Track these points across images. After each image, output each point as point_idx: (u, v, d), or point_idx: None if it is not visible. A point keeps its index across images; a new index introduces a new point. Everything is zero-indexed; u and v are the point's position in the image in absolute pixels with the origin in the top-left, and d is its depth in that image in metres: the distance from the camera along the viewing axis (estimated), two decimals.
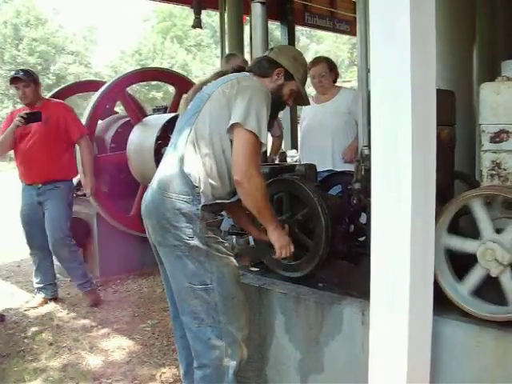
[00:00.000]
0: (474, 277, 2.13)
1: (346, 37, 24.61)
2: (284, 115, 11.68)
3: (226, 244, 2.51)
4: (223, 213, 2.63)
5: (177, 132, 2.55)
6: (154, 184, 2.47)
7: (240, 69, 2.71)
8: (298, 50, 2.98)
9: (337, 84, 4.81)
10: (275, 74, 2.61)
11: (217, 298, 2.38)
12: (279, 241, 2.53)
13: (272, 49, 2.74)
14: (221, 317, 2.40)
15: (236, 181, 2.35)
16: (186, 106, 2.60)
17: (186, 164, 2.37)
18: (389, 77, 1.84)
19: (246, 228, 2.87)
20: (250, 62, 3.55)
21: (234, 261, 2.50)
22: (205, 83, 2.64)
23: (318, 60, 4.74)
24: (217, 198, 2.42)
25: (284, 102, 2.67)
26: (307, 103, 2.88)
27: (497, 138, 2.15)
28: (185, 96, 2.73)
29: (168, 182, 2.37)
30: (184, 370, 2.77)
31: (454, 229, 2.23)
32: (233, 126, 2.35)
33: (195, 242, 2.34)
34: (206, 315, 2.39)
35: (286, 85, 2.62)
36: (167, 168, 2.43)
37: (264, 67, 2.63)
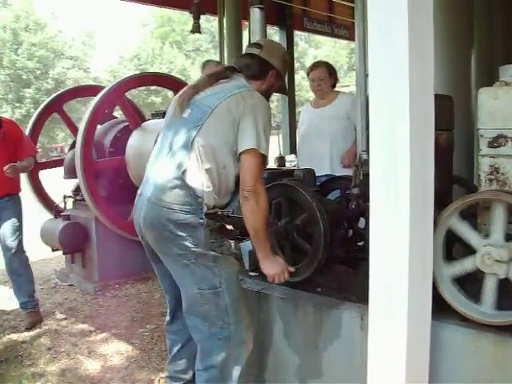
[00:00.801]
0: (489, 290, 2.12)
1: (344, 42, 24.64)
2: (282, 119, 11.72)
3: (227, 245, 2.55)
4: None
5: (171, 135, 2.53)
6: (150, 193, 2.45)
7: (232, 69, 2.69)
8: (282, 46, 3.06)
9: (335, 89, 4.82)
10: (269, 76, 2.68)
11: (227, 301, 2.42)
12: (272, 269, 2.53)
13: (258, 44, 2.74)
14: (231, 318, 2.43)
15: (245, 197, 2.40)
16: (181, 109, 2.54)
17: (189, 177, 2.37)
18: (387, 82, 1.85)
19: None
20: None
21: (235, 260, 2.56)
22: (197, 87, 2.60)
23: (318, 64, 4.77)
24: (215, 207, 2.45)
25: (269, 96, 2.75)
26: (286, 93, 3.04)
27: (495, 142, 2.15)
28: (175, 97, 2.70)
29: (169, 193, 2.38)
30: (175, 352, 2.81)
31: (450, 257, 2.27)
32: (246, 150, 2.40)
33: (201, 249, 2.37)
34: (216, 318, 2.42)
35: (275, 84, 2.72)
36: (166, 178, 2.41)
37: (257, 70, 2.66)
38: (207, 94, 2.54)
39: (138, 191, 2.61)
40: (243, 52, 2.95)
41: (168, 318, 2.83)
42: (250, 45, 2.87)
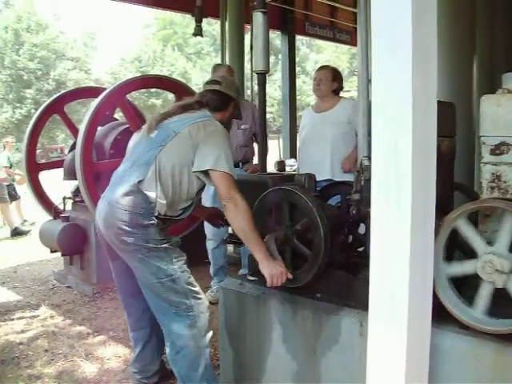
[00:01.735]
0: (483, 296, 2.11)
1: (345, 47, 24.70)
2: (283, 123, 11.74)
3: (175, 240, 2.87)
4: None
5: (137, 151, 2.93)
6: (110, 197, 2.80)
7: (199, 103, 3.03)
8: (234, 79, 3.60)
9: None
10: (231, 106, 3.11)
11: (183, 285, 2.78)
12: (271, 270, 2.64)
13: (216, 81, 3.15)
14: (191, 300, 2.79)
15: (224, 206, 2.75)
16: (149, 130, 2.92)
17: (145, 187, 2.74)
18: (390, 88, 1.84)
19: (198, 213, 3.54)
20: (251, 67, 3.87)
21: (182, 252, 2.88)
22: (167, 115, 2.95)
23: (324, 66, 4.88)
24: (166, 215, 2.81)
25: (230, 123, 3.21)
26: (240, 118, 3.42)
27: (497, 150, 2.15)
28: (149, 121, 3.03)
29: (126, 197, 2.73)
30: (140, 349, 3.20)
31: (450, 257, 2.25)
32: (207, 171, 2.77)
33: (151, 244, 2.72)
34: (179, 303, 2.77)
35: (233, 112, 3.16)
36: (125, 185, 2.76)
37: (220, 103, 3.06)
38: (174, 119, 2.92)
39: (102, 195, 2.96)
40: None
41: (129, 320, 3.24)
42: (209, 82, 3.21)
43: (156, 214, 2.73)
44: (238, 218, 2.68)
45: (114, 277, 3.13)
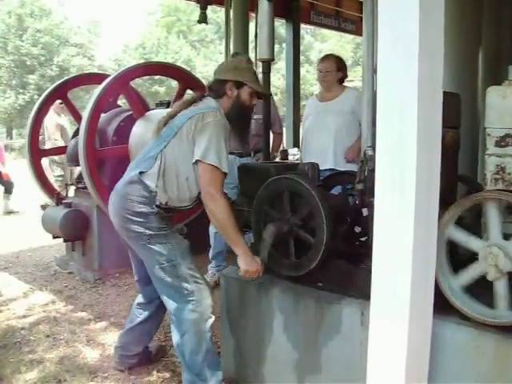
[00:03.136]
0: (470, 274, 2.17)
1: (350, 36, 24.52)
2: (286, 113, 11.68)
3: (177, 227, 2.99)
4: None
5: (148, 148, 2.98)
6: (117, 188, 2.94)
7: (203, 96, 3.01)
8: (233, 57, 3.42)
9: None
10: (228, 89, 2.97)
11: (184, 271, 2.82)
12: (247, 266, 2.75)
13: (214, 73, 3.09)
14: (192, 285, 2.83)
15: (204, 202, 2.78)
16: (159, 130, 2.96)
17: (147, 178, 2.81)
18: (396, 78, 1.84)
19: None
20: (256, 55, 3.86)
21: (184, 238, 2.94)
22: (172, 113, 2.98)
23: (328, 56, 4.79)
24: (169, 205, 2.86)
25: (249, 106, 3.05)
26: (266, 91, 3.33)
27: (502, 142, 2.14)
28: (158, 123, 3.03)
29: (130, 186, 2.84)
30: (129, 327, 3.31)
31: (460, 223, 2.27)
32: (197, 161, 2.76)
33: (152, 231, 2.80)
34: (181, 288, 2.82)
35: (241, 92, 2.99)
36: (132, 175, 2.87)
37: (217, 90, 3.01)
38: (178, 116, 2.93)
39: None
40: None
41: (140, 295, 3.31)
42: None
43: (157, 203, 2.80)
44: (216, 216, 2.73)
45: (131, 261, 3.21)
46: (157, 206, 2.80)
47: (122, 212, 2.84)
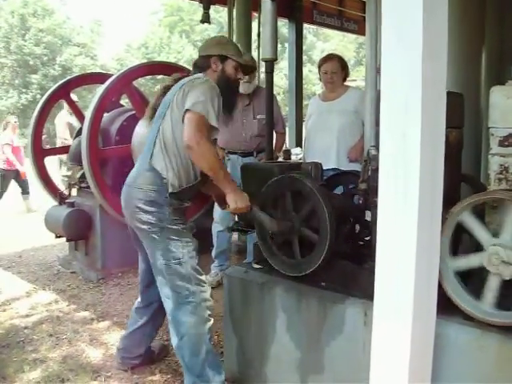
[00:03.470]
0: (491, 288, 2.12)
1: (352, 36, 24.53)
2: (289, 112, 11.68)
3: (189, 224, 2.96)
4: None
5: (150, 131, 2.97)
6: (128, 180, 2.92)
7: (188, 74, 3.11)
8: (213, 37, 3.44)
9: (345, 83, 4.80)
10: (212, 63, 3.03)
11: (189, 270, 2.81)
12: (236, 202, 2.76)
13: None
14: (193, 287, 2.81)
15: (187, 146, 2.69)
16: (152, 111, 3.03)
17: (154, 160, 2.82)
18: (399, 78, 1.83)
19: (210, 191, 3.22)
20: (258, 55, 3.92)
21: (193, 237, 2.91)
22: (167, 88, 3.03)
23: (331, 57, 4.74)
24: (180, 188, 2.83)
25: (234, 79, 3.11)
26: (251, 64, 3.38)
27: (506, 141, 2.14)
28: (151, 104, 3.13)
29: (141, 176, 2.84)
30: (131, 330, 3.32)
31: (455, 251, 2.26)
32: (185, 111, 2.73)
33: (165, 224, 2.77)
34: (181, 288, 2.80)
35: (225, 66, 3.05)
36: (140, 164, 2.89)
37: (201, 65, 3.08)
38: (168, 93, 2.97)
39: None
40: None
41: (139, 298, 3.35)
42: None
43: (170, 190, 2.78)
44: (203, 157, 2.68)
45: (139, 259, 3.24)
46: (170, 194, 2.77)
47: (134, 202, 2.81)
